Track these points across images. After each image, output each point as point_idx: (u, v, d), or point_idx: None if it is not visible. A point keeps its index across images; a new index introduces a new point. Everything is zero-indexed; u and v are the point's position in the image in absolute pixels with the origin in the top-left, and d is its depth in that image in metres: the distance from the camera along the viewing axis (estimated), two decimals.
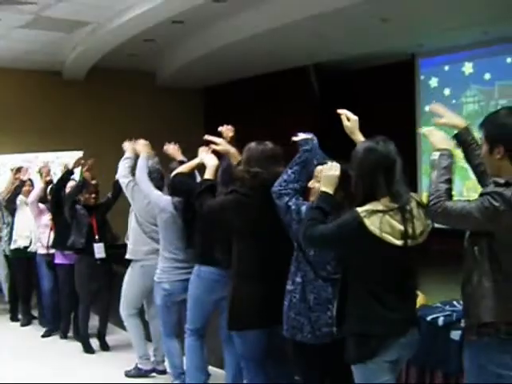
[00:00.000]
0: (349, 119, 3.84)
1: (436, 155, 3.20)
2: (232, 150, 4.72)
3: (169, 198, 5.46)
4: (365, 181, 3.33)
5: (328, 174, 3.60)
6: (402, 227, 3.26)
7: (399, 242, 3.24)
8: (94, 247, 7.01)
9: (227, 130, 5.16)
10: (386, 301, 3.30)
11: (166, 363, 6.10)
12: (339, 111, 3.88)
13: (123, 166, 6.11)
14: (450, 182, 3.11)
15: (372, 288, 3.31)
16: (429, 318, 4.35)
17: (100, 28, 10.25)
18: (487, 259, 2.99)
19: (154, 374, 6.33)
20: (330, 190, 3.54)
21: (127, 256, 6.21)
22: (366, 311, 3.32)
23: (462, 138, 3.57)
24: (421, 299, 4.45)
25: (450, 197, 3.05)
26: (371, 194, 3.30)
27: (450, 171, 3.15)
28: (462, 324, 3.22)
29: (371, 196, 3.29)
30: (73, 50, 11.66)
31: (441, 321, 4.33)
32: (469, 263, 3.08)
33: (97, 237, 7.08)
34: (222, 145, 4.77)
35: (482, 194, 2.97)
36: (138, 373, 6.29)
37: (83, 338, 7.27)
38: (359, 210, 3.24)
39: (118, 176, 6.25)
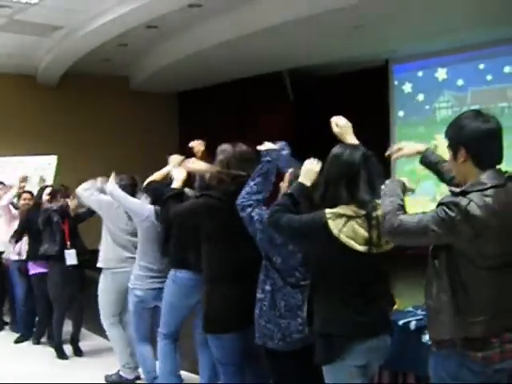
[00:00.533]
0: (337, 125, 3.78)
1: (388, 180, 3.22)
2: (204, 167, 4.67)
3: (152, 206, 5.46)
4: (330, 188, 3.37)
5: (308, 167, 3.64)
6: (366, 234, 3.28)
7: (362, 248, 3.26)
8: (65, 254, 6.99)
9: (198, 144, 5.17)
10: (351, 303, 3.31)
11: (140, 369, 6.09)
12: (332, 119, 3.80)
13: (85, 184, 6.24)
14: (401, 197, 3.09)
15: (337, 290, 3.33)
16: (401, 322, 4.36)
17: (73, 32, 10.20)
18: (446, 272, 2.94)
19: None
20: (307, 183, 3.58)
21: (98, 264, 6.22)
22: (330, 312, 3.34)
23: (427, 160, 3.61)
24: None
25: (404, 212, 3.00)
26: (334, 200, 3.32)
27: (400, 188, 3.14)
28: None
29: (335, 203, 3.32)
30: (46, 54, 11.60)
31: (413, 325, 4.35)
32: (430, 277, 3.04)
33: (68, 243, 7.06)
34: (195, 164, 4.75)
35: (438, 204, 2.90)
36: (119, 379, 6.24)
37: (56, 344, 7.23)
38: (327, 211, 3.27)
39: (79, 191, 6.28)
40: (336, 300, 3.32)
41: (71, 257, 7.03)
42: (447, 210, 2.82)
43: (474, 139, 2.92)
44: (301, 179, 3.60)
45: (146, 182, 5.11)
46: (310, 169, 3.63)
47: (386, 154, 3.75)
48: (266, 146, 4.03)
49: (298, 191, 3.55)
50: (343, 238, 3.22)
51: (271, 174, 3.95)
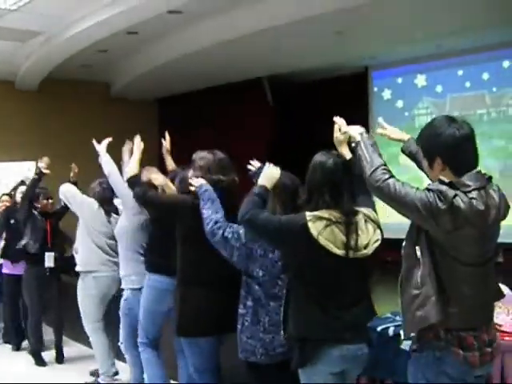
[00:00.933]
0: (341, 131, 3.58)
1: (357, 137, 3.25)
2: (166, 182, 4.93)
3: None
4: (314, 194, 3.38)
5: (269, 171, 3.68)
6: (345, 238, 3.28)
7: (340, 252, 3.26)
8: (45, 255, 6.95)
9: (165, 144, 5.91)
10: (325, 307, 3.31)
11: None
12: (335, 119, 3.63)
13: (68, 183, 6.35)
14: (382, 156, 3.13)
15: (311, 292, 3.33)
16: (379, 329, 4.35)
17: (53, 38, 10.17)
18: (429, 259, 2.92)
19: None
20: (268, 185, 3.61)
21: (77, 268, 6.15)
22: (304, 315, 3.34)
23: (409, 149, 3.66)
24: None
25: (391, 173, 3.02)
26: (317, 207, 3.33)
27: (377, 148, 3.18)
28: (402, 335, 3.20)
29: (318, 209, 3.33)
30: (26, 60, 11.55)
31: (391, 331, 4.34)
32: (409, 262, 3.01)
33: (49, 245, 7.03)
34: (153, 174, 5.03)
35: (428, 189, 2.87)
36: None
37: (34, 351, 7.17)
38: (307, 213, 3.29)
39: (62, 190, 6.25)
40: (308, 302, 3.32)
41: (50, 259, 7.00)
42: (436, 197, 2.81)
43: (449, 148, 2.91)
44: (261, 182, 3.63)
45: (129, 176, 4.95)
46: (270, 173, 3.67)
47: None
48: (195, 183, 4.16)
49: (262, 190, 3.58)
50: (322, 240, 3.23)
51: (213, 196, 4.04)
